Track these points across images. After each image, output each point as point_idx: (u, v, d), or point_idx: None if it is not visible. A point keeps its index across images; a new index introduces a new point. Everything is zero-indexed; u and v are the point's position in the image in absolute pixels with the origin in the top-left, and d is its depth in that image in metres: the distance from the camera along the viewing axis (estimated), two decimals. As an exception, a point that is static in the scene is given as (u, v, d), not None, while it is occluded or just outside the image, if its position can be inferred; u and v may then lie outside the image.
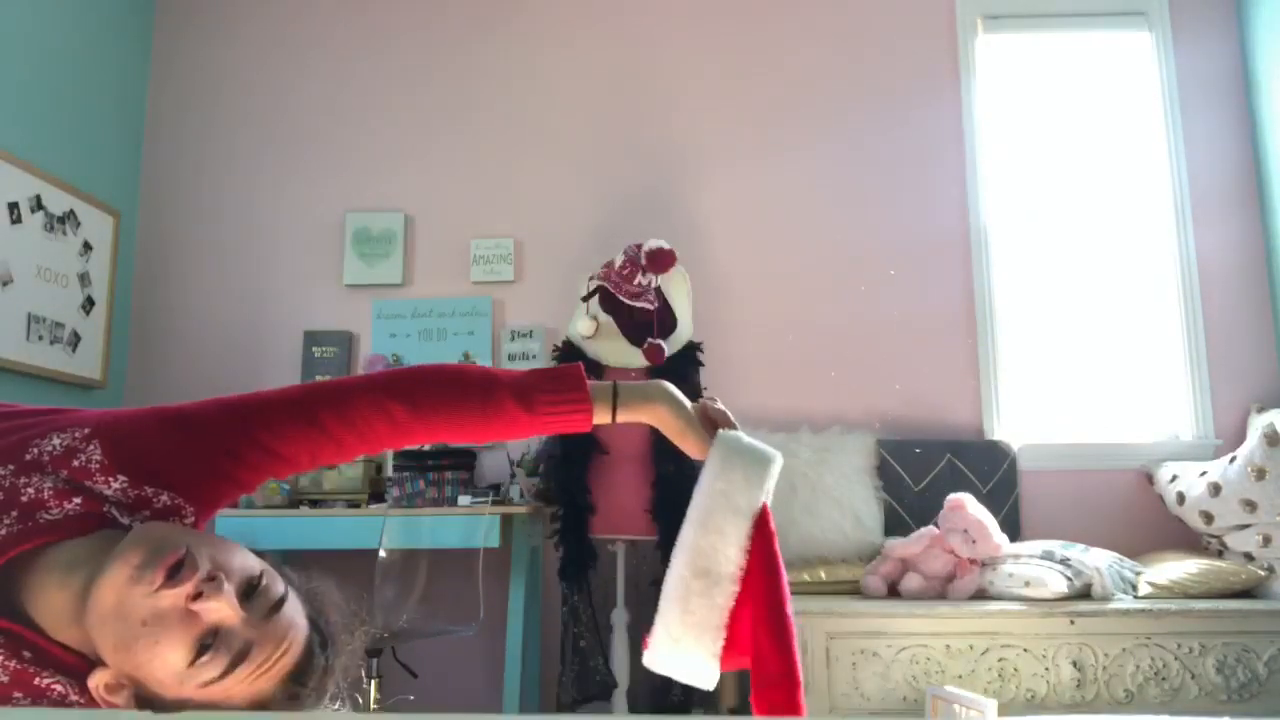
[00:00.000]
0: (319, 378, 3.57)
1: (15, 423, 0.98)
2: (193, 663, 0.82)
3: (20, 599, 0.86)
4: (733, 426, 1.10)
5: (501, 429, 1.07)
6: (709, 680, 1.00)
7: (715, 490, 1.01)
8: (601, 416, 1.09)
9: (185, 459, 0.97)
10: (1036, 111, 3.69)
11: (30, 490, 0.89)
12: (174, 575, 0.82)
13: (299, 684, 0.90)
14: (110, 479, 0.92)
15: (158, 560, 0.82)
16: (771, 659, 0.97)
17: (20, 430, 0.96)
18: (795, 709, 0.97)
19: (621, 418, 1.10)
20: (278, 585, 0.90)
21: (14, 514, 0.87)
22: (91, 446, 0.93)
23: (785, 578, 1.02)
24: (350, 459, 1.08)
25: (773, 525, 1.03)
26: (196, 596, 0.82)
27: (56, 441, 0.93)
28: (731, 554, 0.97)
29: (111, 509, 0.91)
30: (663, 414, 1.10)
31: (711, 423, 1.10)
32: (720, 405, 1.12)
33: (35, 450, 0.92)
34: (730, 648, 0.99)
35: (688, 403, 1.12)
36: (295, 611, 0.91)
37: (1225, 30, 3.64)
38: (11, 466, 0.90)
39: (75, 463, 0.91)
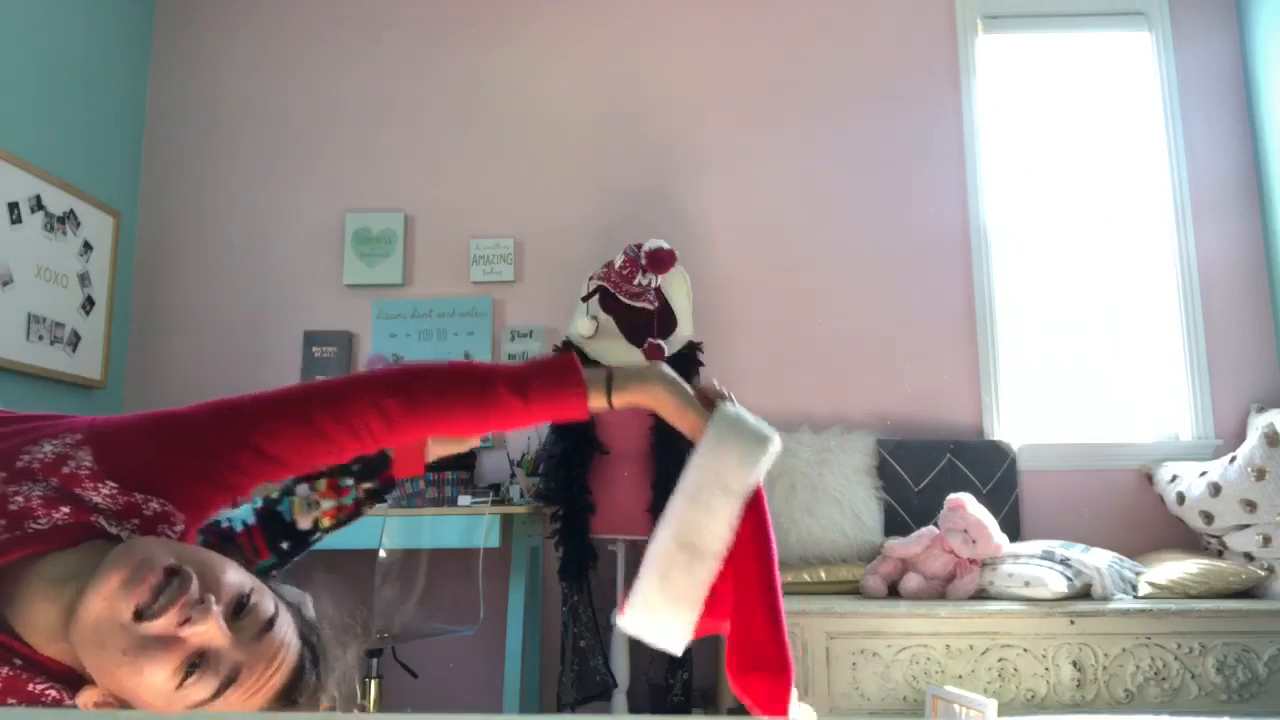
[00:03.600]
0: (319, 378, 3.57)
1: (9, 428, 0.96)
2: (180, 685, 0.80)
3: (5, 610, 0.84)
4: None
5: (497, 419, 1.05)
6: (678, 647, 0.99)
7: (707, 466, 1.00)
8: (597, 402, 1.07)
9: (174, 464, 0.94)
10: (1036, 112, 3.70)
11: (19, 499, 0.86)
12: (158, 596, 0.79)
13: (290, 701, 0.88)
14: (99, 485, 0.90)
15: (139, 580, 0.79)
16: (766, 645, 0.96)
17: (14, 436, 0.93)
18: (784, 698, 0.96)
19: (619, 402, 1.07)
20: (267, 603, 0.88)
21: (2, 523, 0.84)
22: (82, 452, 0.91)
23: (776, 560, 1.00)
24: (345, 459, 1.05)
25: (766, 506, 1.02)
26: (184, 621, 0.79)
27: (48, 448, 0.91)
28: (719, 531, 0.96)
29: (100, 518, 0.89)
30: (660, 395, 1.08)
31: (710, 402, 1.08)
32: (720, 386, 1.10)
33: (27, 457, 0.90)
34: (703, 617, 0.98)
35: (685, 384, 1.10)
36: (286, 629, 0.89)
37: (1225, 30, 3.64)
38: (3, 474, 0.88)
39: (65, 469, 0.89)
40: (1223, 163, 3.56)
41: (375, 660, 2.74)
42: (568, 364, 1.07)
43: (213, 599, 0.82)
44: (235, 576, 0.86)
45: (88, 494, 0.89)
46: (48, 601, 0.83)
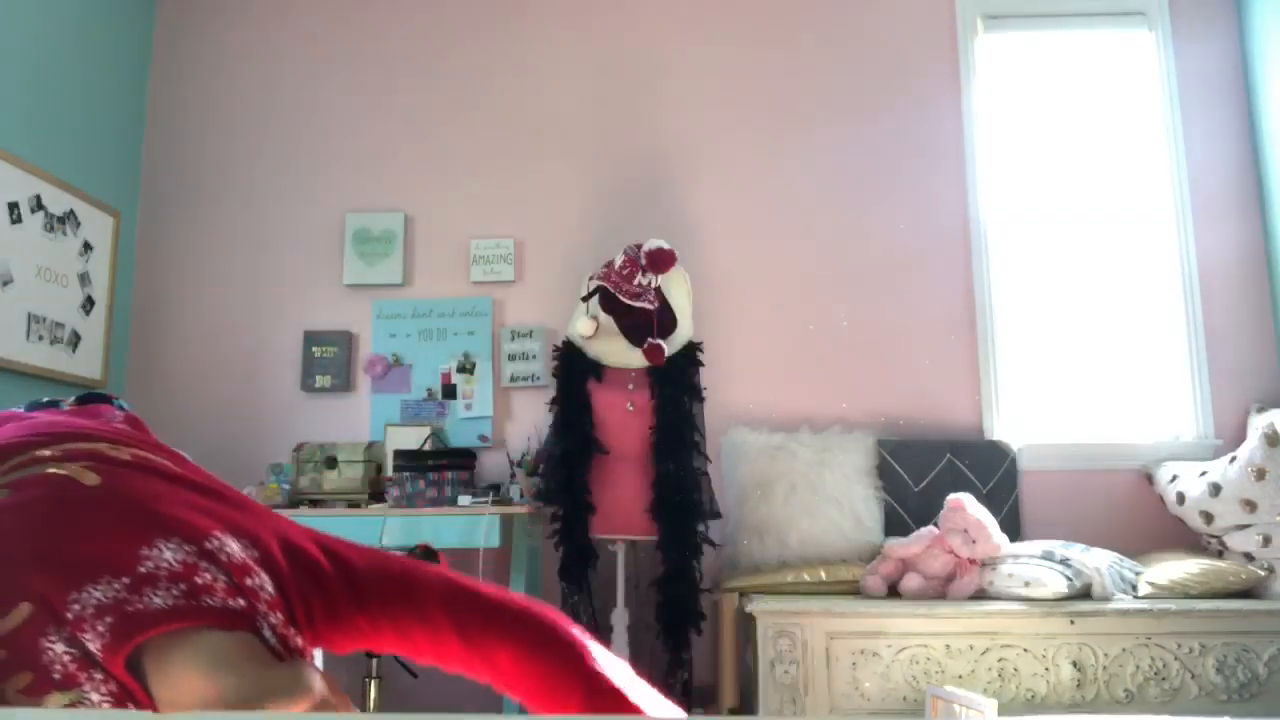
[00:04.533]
0: (319, 378, 3.56)
1: (193, 498, 1.01)
2: None
3: (143, 662, 0.87)
4: None
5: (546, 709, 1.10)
6: None
7: None
8: None
9: (320, 621, 1.03)
10: (1037, 111, 3.69)
11: (207, 575, 0.92)
12: None
13: None
14: (272, 612, 0.97)
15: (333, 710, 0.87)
16: None
17: (202, 511, 0.99)
18: None
19: None
20: None
21: (183, 587, 0.89)
22: (265, 577, 0.97)
23: None
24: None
25: None
26: None
27: (235, 548, 0.96)
28: None
29: (263, 623, 0.95)
30: None
31: None
32: None
33: (216, 543, 0.95)
34: None
35: None
36: None
37: (1225, 30, 3.64)
38: (194, 548, 0.93)
39: (248, 581, 0.95)
40: (1223, 163, 3.56)
41: (375, 660, 2.74)
42: None
43: None
44: None
45: (262, 606, 0.96)
46: (200, 675, 0.87)
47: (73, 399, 1.29)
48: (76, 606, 0.85)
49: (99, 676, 0.85)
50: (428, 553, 1.79)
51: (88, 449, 1.02)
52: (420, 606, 1.07)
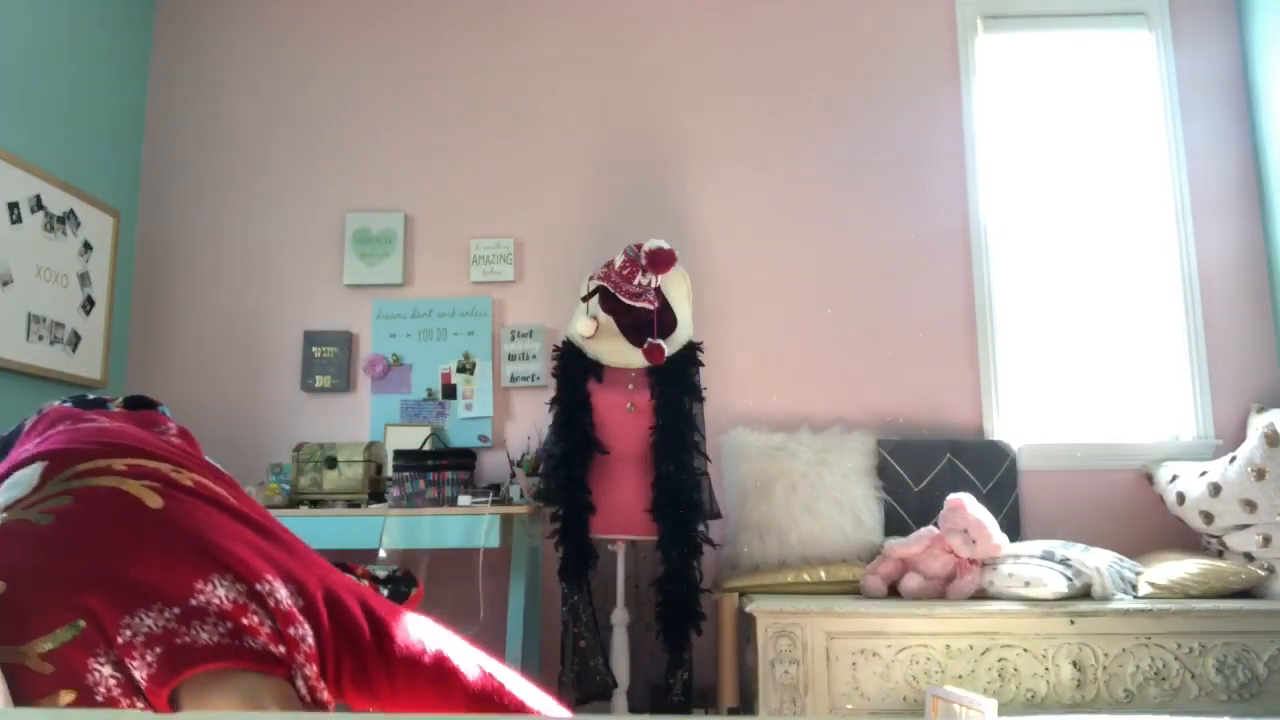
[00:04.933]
0: (319, 378, 3.57)
1: (250, 535, 1.02)
2: None
3: (180, 696, 0.88)
4: None
5: None
6: None
7: None
8: None
9: (341, 678, 1.04)
10: (1036, 111, 3.69)
11: (254, 618, 0.93)
12: None
13: None
14: (310, 664, 0.98)
15: None
16: None
17: (257, 551, 1.00)
18: None
19: None
20: None
21: (229, 626, 0.90)
22: (306, 628, 0.98)
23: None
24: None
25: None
26: None
27: (283, 594, 0.98)
28: None
29: (297, 673, 0.97)
30: None
31: None
32: None
33: (267, 588, 0.96)
34: None
35: None
36: None
37: (1225, 30, 3.64)
38: (245, 588, 0.94)
39: (291, 631, 0.97)
40: (1223, 163, 3.56)
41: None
42: None
43: None
44: None
45: (299, 657, 0.97)
46: (236, 716, 0.89)
47: (121, 401, 1.28)
48: (128, 632, 0.85)
49: (140, 705, 0.86)
50: (407, 578, 1.76)
51: (152, 468, 1.02)
52: (447, 693, 1.08)
